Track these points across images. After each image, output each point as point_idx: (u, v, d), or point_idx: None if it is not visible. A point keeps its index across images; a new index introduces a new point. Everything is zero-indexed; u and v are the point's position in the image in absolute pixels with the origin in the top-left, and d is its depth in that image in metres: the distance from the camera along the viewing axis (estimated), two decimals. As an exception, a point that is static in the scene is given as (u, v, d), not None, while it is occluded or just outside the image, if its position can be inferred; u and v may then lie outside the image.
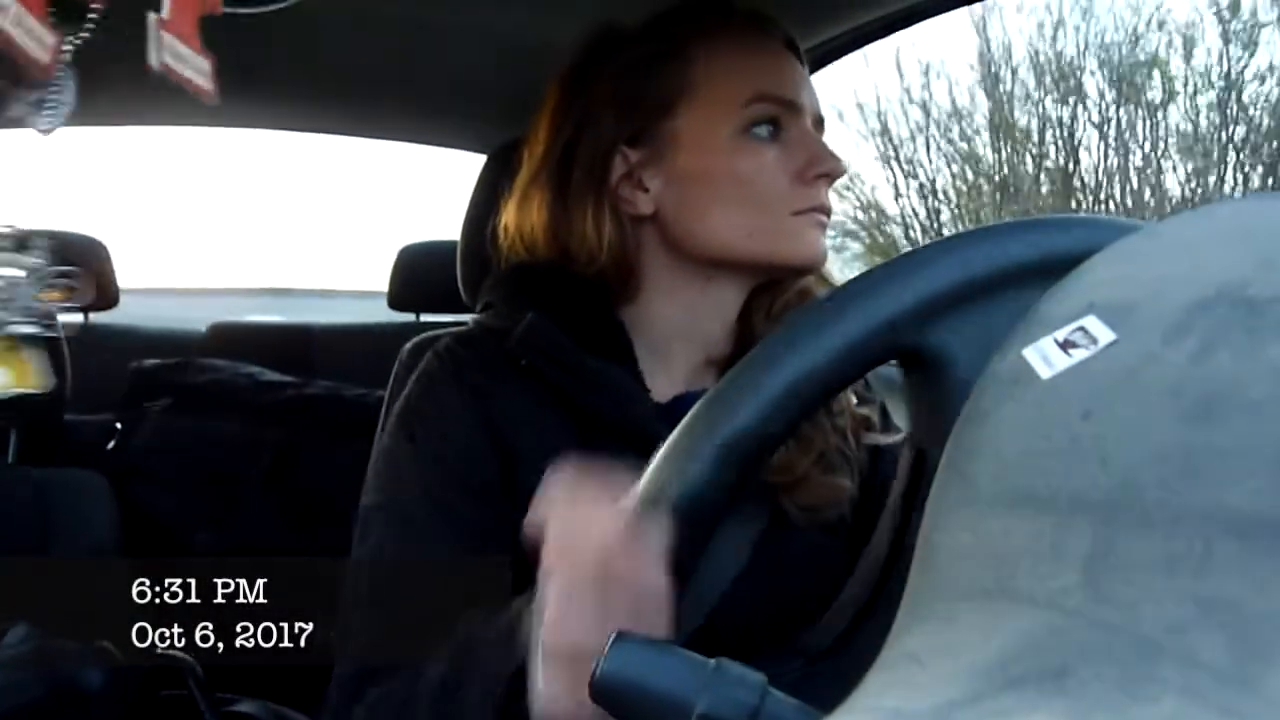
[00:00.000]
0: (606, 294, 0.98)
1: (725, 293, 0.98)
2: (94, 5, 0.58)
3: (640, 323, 0.97)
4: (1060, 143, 8.03)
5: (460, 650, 0.73)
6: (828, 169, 0.93)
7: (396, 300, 2.49)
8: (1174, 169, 7.65)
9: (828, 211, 0.95)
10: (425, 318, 2.48)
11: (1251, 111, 7.31)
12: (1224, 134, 7.35)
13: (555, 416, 0.92)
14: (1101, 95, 7.77)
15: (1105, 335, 0.34)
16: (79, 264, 2.39)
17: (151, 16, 0.54)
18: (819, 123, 0.98)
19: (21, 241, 0.71)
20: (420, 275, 2.40)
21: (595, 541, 0.56)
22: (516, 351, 0.94)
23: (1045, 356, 0.36)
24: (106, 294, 2.41)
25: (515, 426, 0.91)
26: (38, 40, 0.57)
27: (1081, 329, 0.35)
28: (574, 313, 0.95)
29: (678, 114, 0.96)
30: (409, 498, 0.90)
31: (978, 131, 8.34)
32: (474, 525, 0.88)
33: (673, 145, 0.96)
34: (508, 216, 1.02)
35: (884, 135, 8.41)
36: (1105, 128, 7.75)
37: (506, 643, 0.66)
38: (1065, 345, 0.35)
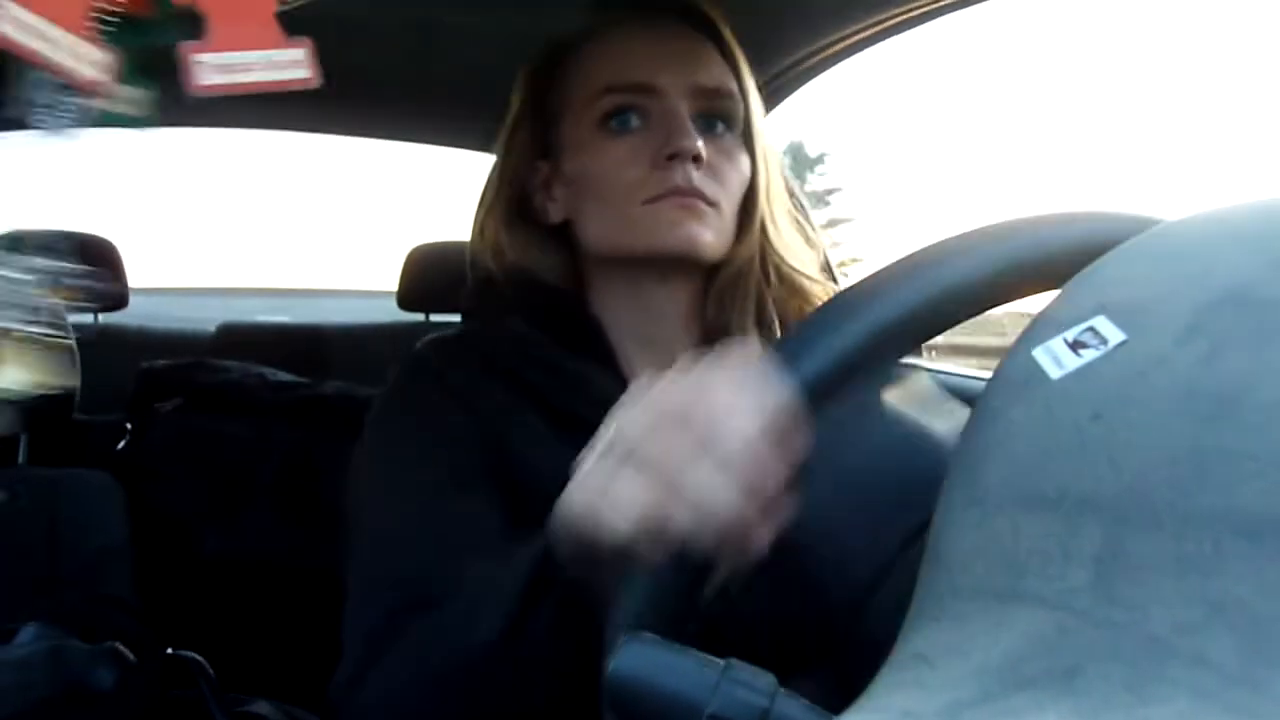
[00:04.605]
0: (576, 297, 0.98)
1: (656, 290, 0.95)
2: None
3: (605, 325, 0.97)
4: None
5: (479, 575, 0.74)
6: (673, 149, 0.88)
7: (406, 300, 2.49)
8: None
9: (691, 193, 0.89)
10: (434, 318, 2.49)
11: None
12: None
13: (539, 419, 0.90)
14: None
15: (1115, 336, 0.34)
16: (89, 264, 2.40)
17: (183, 46, 0.54)
18: (703, 93, 0.92)
19: (21, 242, 0.69)
20: (429, 275, 2.41)
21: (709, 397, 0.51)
22: (495, 355, 0.93)
23: (1055, 357, 0.36)
24: (116, 294, 2.42)
25: (501, 427, 0.90)
26: (90, 62, 0.57)
27: (1091, 329, 0.35)
28: (551, 316, 0.95)
29: (564, 120, 0.96)
30: (406, 471, 0.89)
31: None
32: (474, 508, 0.86)
33: (562, 152, 0.96)
34: (475, 227, 1.02)
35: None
36: None
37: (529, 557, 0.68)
38: (1075, 346, 0.35)
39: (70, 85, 0.57)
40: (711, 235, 0.91)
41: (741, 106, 0.95)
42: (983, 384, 0.40)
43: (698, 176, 0.89)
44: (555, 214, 0.97)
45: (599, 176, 0.92)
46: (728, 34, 0.96)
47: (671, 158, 0.89)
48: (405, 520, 0.87)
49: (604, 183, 0.91)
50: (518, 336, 0.93)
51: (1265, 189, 0.40)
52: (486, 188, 1.03)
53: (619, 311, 0.96)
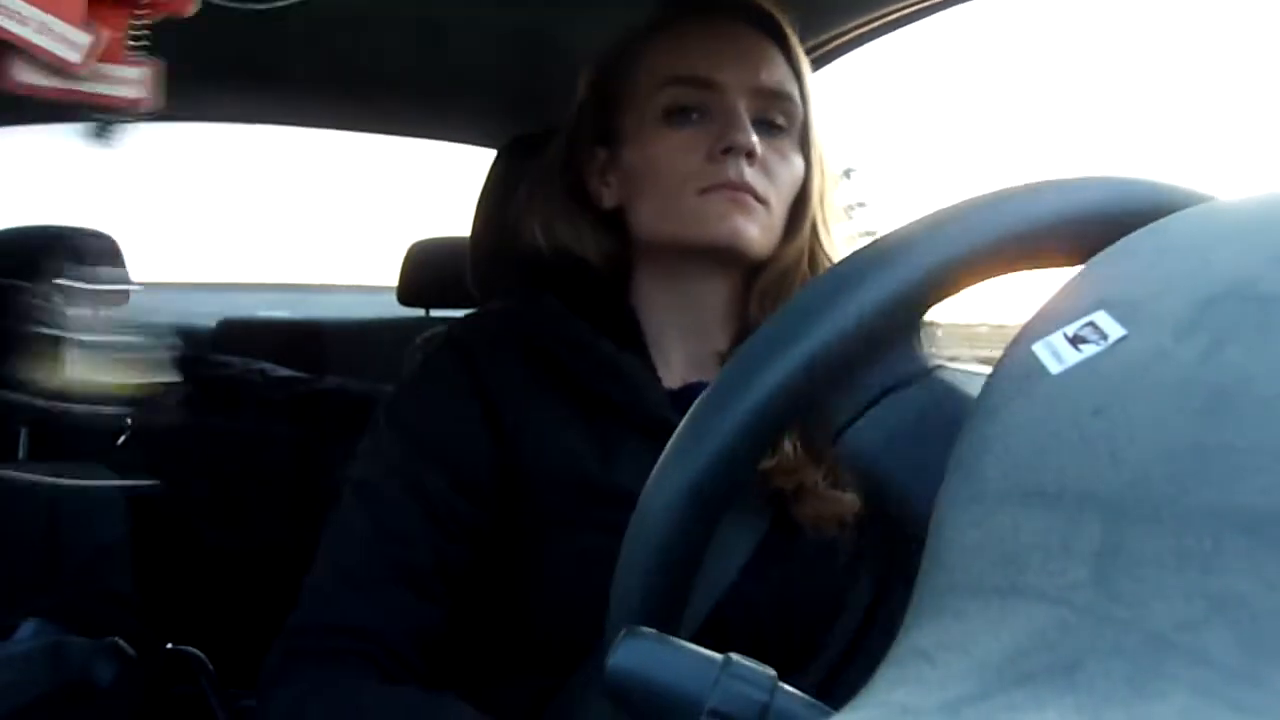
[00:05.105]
0: (617, 284, 0.99)
1: (699, 281, 0.98)
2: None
3: (642, 313, 0.99)
4: None
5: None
6: (729, 143, 0.91)
7: (406, 296, 2.49)
8: None
9: (742, 187, 0.91)
10: (434, 313, 2.49)
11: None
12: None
13: (562, 400, 0.93)
14: None
15: (1115, 331, 0.34)
16: (88, 262, 2.40)
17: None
18: (762, 94, 0.95)
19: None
20: (430, 270, 2.41)
21: None
22: (530, 333, 0.95)
23: (1055, 352, 0.35)
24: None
25: (519, 409, 0.93)
26: (68, 42, 0.56)
27: (1091, 324, 0.35)
28: (588, 300, 0.97)
29: (626, 109, 0.98)
30: (387, 480, 0.92)
31: None
32: (448, 511, 0.90)
33: (622, 140, 0.99)
34: (525, 209, 1.04)
35: None
36: None
37: None
38: (1075, 341, 0.35)
39: (51, 68, 0.55)
40: (757, 231, 0.93)
41: (800, 109, 0.98)
42: (982, 380, 0.40)
43: (750, 172, 0.92)
44: (608, 199, 1.00)
45: (654, 165, 0.94)
46: (793, 37, 0.99)
47: (726, 152, 0.91)
48: (358, 557, 0.91)
49: (659, 171, 0.94)
50: (554, 316, 0.95)
51: (1266, 183, 0.39)
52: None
53: (660, 301, 0.99)
